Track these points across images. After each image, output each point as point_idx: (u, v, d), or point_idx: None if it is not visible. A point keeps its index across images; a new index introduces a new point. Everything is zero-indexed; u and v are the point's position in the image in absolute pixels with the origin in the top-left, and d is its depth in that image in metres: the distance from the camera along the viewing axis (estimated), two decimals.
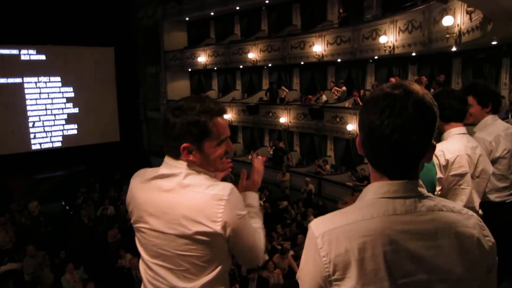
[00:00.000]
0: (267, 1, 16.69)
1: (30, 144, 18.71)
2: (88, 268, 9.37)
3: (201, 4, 18.46)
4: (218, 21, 19.85)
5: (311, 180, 14.08)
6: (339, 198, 13.73)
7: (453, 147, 2.50)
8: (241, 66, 18.18)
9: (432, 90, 10.05)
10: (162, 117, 1.54)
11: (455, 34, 8.18)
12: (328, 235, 1.05)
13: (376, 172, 1.10)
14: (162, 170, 1.52)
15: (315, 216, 11.57)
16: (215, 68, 19.45)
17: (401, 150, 1.03)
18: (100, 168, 17.62)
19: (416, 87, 1.06)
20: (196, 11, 18.83)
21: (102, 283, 8.73)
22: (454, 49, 9.43)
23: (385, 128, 1.02)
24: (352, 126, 13.49)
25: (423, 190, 1.10)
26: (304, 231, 10.94)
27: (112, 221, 12.18)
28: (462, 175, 2.47)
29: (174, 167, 1.49)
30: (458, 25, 8.14)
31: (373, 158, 1.10)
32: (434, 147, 1.09)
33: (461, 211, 1.10)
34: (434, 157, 2.35)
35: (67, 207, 14.98)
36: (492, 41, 8.15)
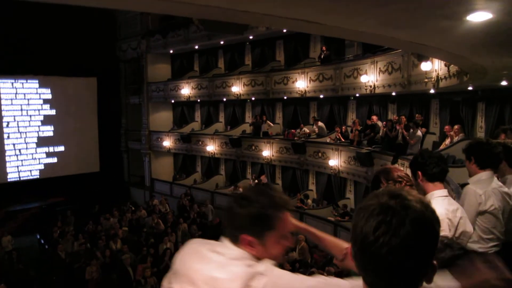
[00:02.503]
0: (251, 37, 17.08)
1: (5, 176, 18.21)
2: None
3: (185, 38, 18.74)
4: (202, 55, 20.14)
5: (294, 214, 14.05)
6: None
7: None
8: (224, 99, 18.37)
9: (411, 130, 10.38)
10: (226, 203, 1.52)
11: (433, 79, 8.54)
12: None
13: None
14: (218, 249, 1.45)
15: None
16: (199, 100, 19.60)
17: (397, 272, 0.93)
18: (78, 200, 17.21)
19: (415, 198, 0.96)
20: (181, 44, 19.09)
21: None
22: (432, 91, 9.80)
23: (380, 248, 0.91)
24: (334, 161, 13.69)
25: None
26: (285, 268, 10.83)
27: (90, 256, 11.82)
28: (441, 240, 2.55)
29: (231, 250, 1.42)
30: (436, 70, 8.51)
31: (366, 276, 0.99)
32: (435, 268, 0.98)
33: None
34: None
35: (42, 241, 14.48)
36: (468, 87, 8.54)
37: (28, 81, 18.78)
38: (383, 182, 2.20)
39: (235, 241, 1.44)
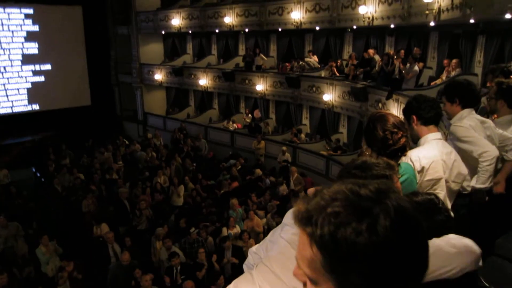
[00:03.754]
0: None
1: None
2: (62, 239, 9.31)
3: None
4: None
5: (287, 148, 14.20)
6: (313, 167, 13.99)
7: (429, 153, 2.60)
8: (217, 31, 17.67)
9: (408, 65, 10.16)
10: None
11: (434, 11, 8.17)
12: None
13: None
14: None
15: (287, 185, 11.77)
16: (190, 32, 18.84)
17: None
18: (70, 133, 17.12)
19: (395, 194, 0.79)
20: None
21: (77, 254, 8.72)
22: (432, 24, 9.44)
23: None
24: (328, 96, 13.55)
25: None
26: (277, 199, 11.06)
27: (85, 190, 12.00)
28: (437, 180, 2.56)
29: None
30: (438, 1, 8.12)
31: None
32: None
33: None
34: (410, 163, 2.44)
35: (38, 174, 14.62)
36: (470, 19, 8.20)
37: (14, 40, 17.90)
38: (378, 131, 2.17)
39: None
